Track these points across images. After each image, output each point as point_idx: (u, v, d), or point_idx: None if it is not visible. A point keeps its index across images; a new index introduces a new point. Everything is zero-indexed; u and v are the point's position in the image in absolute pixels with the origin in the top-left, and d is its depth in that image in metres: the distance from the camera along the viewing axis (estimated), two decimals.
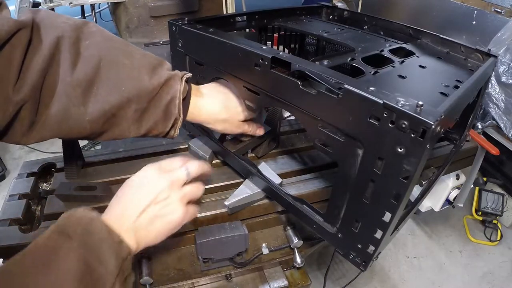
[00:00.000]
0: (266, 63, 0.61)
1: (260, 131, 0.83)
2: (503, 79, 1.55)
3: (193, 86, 0.70)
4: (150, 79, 0.58)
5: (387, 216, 0.53)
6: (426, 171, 0.90)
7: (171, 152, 0.95)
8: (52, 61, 0.51)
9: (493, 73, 1.52)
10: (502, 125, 1.61)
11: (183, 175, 0.60)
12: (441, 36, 0.88)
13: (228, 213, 0.78)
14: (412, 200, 0.77)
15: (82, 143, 2.42)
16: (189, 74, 0.66)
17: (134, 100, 0.57)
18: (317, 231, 0.67)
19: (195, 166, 0.62)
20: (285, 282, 0.84)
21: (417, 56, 0.80)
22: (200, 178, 0.64)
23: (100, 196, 0.77)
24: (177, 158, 0.63)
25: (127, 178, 0.84)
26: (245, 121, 0.78)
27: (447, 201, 1.80)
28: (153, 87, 0.58)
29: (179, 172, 0.60)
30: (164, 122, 0.62)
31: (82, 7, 1.47)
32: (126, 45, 0.60)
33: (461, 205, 1.74)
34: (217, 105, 0.73)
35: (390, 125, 0.46)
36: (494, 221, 2.15)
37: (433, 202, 1.85)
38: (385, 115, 0.46)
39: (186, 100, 0.67)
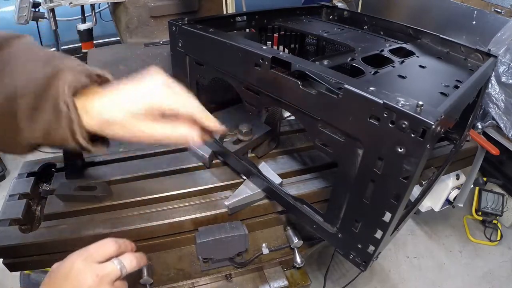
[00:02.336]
0: (266, 63, 0.61)
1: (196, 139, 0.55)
2: (503, 79, 1.55)
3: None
4: (43, 69, 0.49)
5: (387, 216, 0.53)
6: (426, 171, 0.90)
7: (171, 152, 0.95)
8: None
9: (493, 73, 1.52)
10: (502, 125, 1.61)
11: (116, 272, 0.53)
12: (441, 36, 0.88)
13: (228, 213, 0.78)
14: (412, 200, 0.77)
15: None
16: (101, 72, 0.53)
17: (23, 92, 0.48)
18: (317, 231, 0.67)
19: (131, 260, 0.55)
20: (285, 282, 0.84)
21: (417, 56, 0.80)
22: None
23: (100, 196, 0.77)
24: (110, 243, 0.55)
25: (127, 178, 0.86)
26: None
27: (447, 201, 1.80)
28: (42, 77, 0.49)
29: (111, 267, 0.53)
30: (58, 122, 0.50)
31: (82, 7, 1.47)
32: (46, 50, 0.52)
33: (461, 205, 1.74)
34: (112, 97, 0.53)
35: (390, 125, 0.46)
36: (494, 221, 2.15)
37: (433, 202, 1.86)
38: (385, 115, 0.46)
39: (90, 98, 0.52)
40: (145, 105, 0.51)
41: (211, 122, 0.54)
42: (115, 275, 0.53)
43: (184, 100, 0.53)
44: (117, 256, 0.56)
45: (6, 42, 0.50)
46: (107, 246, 0.55)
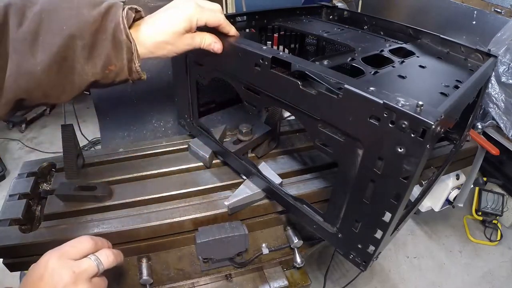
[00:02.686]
0: (266, 63, 0.61)
1: (217, 47, 0.68)
2: (503, 79, 1.55)
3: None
4: (89, 12, 0.56)
5: (387, 216, 0.53)
6: (426, 171, 0.90)
7: (171, 152, 0.95)
8: (3, 28, 0.52)
9: (493, 73, 1.52)
10: (502, 125, 1.61)
11: (93, 268, 0.53)
12: (441, 36, 0.88)
13: (228, 213, 0.78)
14: (412, 200, 0.77)
15: (82, 143, 2.42)
16: (137, 6, 0.61)
17: (77, 36, 0.54)
18: (317, 231, 0.67)
19: (108, 256, 0.56)
20: (285, 282, 0.84)
21: (417, 56, 0.80)
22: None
23: (100, 196, 0.77)
24: (85, 240, 0.56)
25: (127, 178, 0.86)
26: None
27: (447, 201, 1.80)
28: (94, 19, 0.56)
29: (87, 263, 0.53)
30: (117, 54, 0.58)
31: None
32: None
33: (461, 205, 1.74)
34: (156, 26, 0.62)
35: (390, 125, 0.46)
36: (494, 221, 2.15)
37: (433, 202, 1.85)
38: (385, 115, 0.46)
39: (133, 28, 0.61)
40: (185, 23, 0.62)
41: (232, 31, 0.70)
42: (92, 271, 0.53)
43: (212, 15, 0.65)
44: (93, 253, 0.56)
45: (28, 1, 0.54)
46: (83, 243, 0.55)
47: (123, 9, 0.59)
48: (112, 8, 0.58)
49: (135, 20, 0.61)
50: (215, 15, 0.65)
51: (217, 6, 0.67)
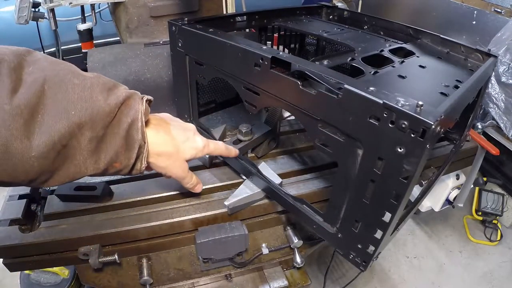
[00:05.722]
0: (266, 63, 0.61)
1: (198, 188, 0.76)
2: (503, 79, 1.55)
3: None
4: (105, 100, 0.48)
5: (387, 216, 0.53)
6: (426, 171, 0.90)
7: None
8: None
9: (493, 73, 1.52)
10: (502, 125, 1.61)
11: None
12: (441, 36, 0.88)
13: (228, 213, 0.78)
14: (412, 200, 0.77)
15: None
16: (150, 97, 0.56)
17: (87, 126, 0.46)
18: (317, 231, 0.67)
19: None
20: (285, 282, 0.84)
21: (417, 56, 0.80)
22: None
23: (100, 196, 0.77)
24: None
25: (127, 178, 0.85)
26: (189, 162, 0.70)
27: (447, 201, 1.80)
28: (110, 109, 0.48)
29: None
30: (127, 152, 0.52)
31: (82, 7, 1.47)
32: (74, 67, 0.51)
33: (461, 205, 1.74)
34: (163, 135, 0.61)
35: (390, 125, 0.46)
36: (494, 221, 2.15)
37: (433, 202, 1.86)
38: (385, 115, 0.46)
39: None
40: (194, 150, 0.65)
41: (232, 153, 0.78)
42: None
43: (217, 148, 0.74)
44: None
45: (23, 60, 0.45)
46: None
47: (142, 101, 0.52)
48: (131, 100, 0.51)
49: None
50: (217, 149, 0.74)
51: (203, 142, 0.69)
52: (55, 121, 0.44)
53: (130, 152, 0.52)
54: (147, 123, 0.56)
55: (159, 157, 0.60)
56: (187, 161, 0.65)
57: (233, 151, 0.76)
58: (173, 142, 0.62)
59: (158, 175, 0.86)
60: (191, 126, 0.68)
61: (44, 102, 0.44)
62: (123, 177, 0.85)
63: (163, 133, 0.60)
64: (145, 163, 0.56)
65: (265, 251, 0.84)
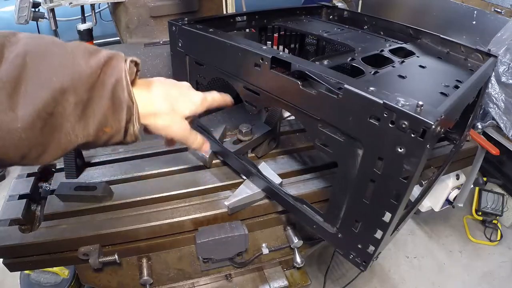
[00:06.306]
0: (266, 63, 0.61)
1: (206, 147, 0.68)
2: (503, 79, 1.55)
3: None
4: (86, 63, 0.48)
5: (387, 216, 0.52)
6: (426, 171, 0.90)
7: (171, 152, 0.95)
8: None
9: (493, 73, 1.52)
10: (502, 125, 1.61)
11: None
12: (441, 36, 0.88)
13: (228, 213, 0.78)
14: (412, 200, 0.77)
15: None
16: (136, 59, 0.55)
17: (70, 90, 0.46)
18: (317, 231, 0.67)
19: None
20: (285, 282, 0.85)
21: (417, 56, 0.80)
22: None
23: (100, 196, 0.77)
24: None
25: (127, 178, 0.85)
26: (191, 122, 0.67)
27: (447, 201, 1.80)
28: (91, 71, 0.48)
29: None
30: (115, 114, 0.51)
31: (82, 7, 1.47)
32: (57, 39, 0.50)
33: (461, 205, 1.74)
34: (156, 94, 0.59)
35: (390, 125, 0.46)
36: (494, 221, 2.15)
37: (433, 202, 1.86)
38: (385, 115, 0.46)
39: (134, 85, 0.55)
40: (192, 105, 0.63)
41: (228, 100, 0.70)
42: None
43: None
44: None
45: (7, 40, 0.46)
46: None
47: (125, 61, 0.52)
48: (113, 60, 0.50)
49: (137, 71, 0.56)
50: (215, 101, 0.70)
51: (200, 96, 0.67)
52: (38, 89, 0.44)
53: (118, 114, 0.51)
54: (135, 83, 0.56)
55: (156, 117, 0.58)
56: (187, 118, 0.63)
57: (228, 97, 0.72)
58: (168, 99, 0.59)
59: (158, 175, 0.87)
60: (185, 83, 0.67)
61: (26, 73, 0.44)
62: (123, 176, 0.85)
63: (156, 92, 0.59)
64: (138, 125, 0.54)
65: (265, 251, 0.84)
